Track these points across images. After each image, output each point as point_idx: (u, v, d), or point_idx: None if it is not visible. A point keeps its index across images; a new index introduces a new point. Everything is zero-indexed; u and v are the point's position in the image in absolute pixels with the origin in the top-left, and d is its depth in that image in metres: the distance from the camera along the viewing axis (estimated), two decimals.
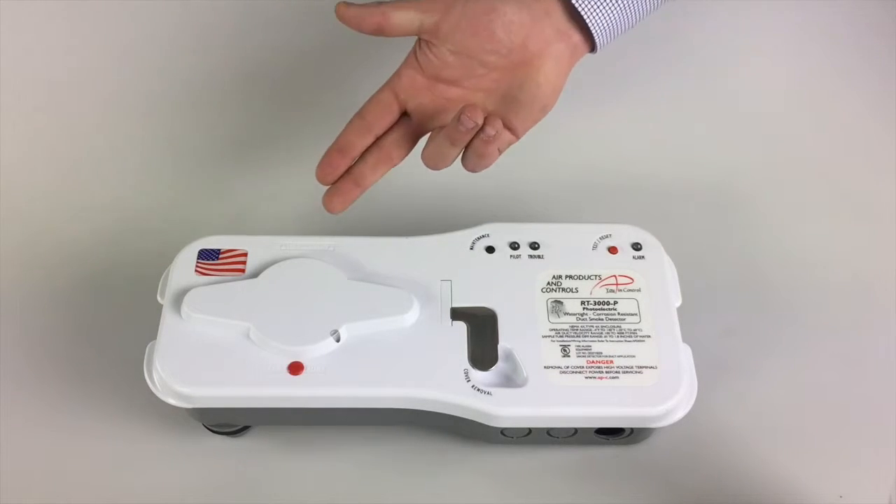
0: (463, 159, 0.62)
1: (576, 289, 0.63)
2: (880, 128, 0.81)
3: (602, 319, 0.62)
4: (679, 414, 0.60)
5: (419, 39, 0.63)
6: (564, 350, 0.61)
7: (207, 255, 0.64)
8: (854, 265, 0.73)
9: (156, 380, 0.60)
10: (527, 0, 0.61)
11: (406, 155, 0.64)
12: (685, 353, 0.61)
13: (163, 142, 0.81)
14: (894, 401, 0.66)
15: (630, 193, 0.77)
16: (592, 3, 0.61)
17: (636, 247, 0.65)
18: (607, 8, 0.61)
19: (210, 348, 0.60)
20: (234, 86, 0.83)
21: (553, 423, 0.61)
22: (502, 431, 0.61)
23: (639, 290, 0.63)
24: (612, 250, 0.65)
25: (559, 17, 0.61)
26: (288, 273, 0.62)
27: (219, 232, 0.66)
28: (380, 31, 0.62)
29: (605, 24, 0.61)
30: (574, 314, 0.62)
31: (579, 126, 0.81)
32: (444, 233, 0.66)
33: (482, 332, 0.62)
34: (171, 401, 0.59)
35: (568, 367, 0.60)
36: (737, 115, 0.82)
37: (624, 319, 0.62)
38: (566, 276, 0.64)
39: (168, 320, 0.61)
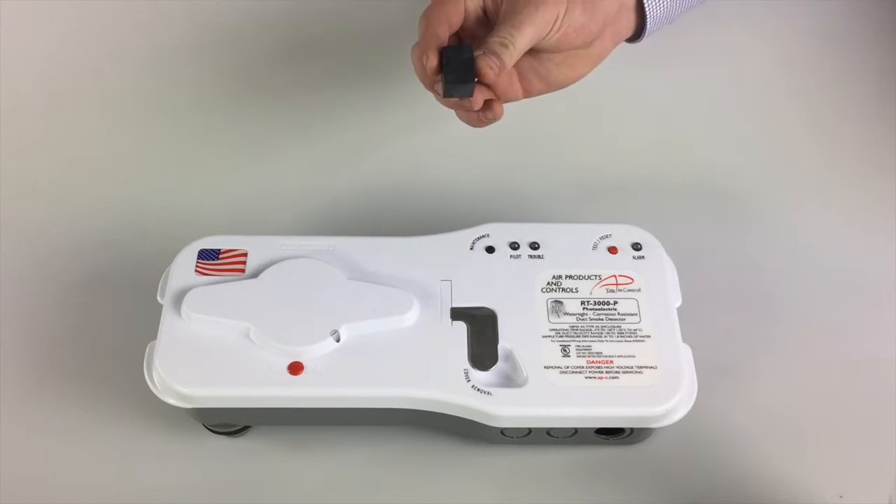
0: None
1: (576, 289, 0.63)
2: (880, 127, 0.81)
3: (602, 319, 0.62)
4: (679, 414, 0.60)
5: None
6: (564, 350, 0.61)
7: (207, 255, 0.64)
8: (854, 265, 0.73)
9: (156, 380, 0.60)
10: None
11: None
12: (685, 353, 0.61)
13: (163, 142, 0.81)
14: (894, 401, 0.66)
15: (630, 193, 0.77)
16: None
17: (636, 247, 0.65)
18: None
19: (210, 348, 0.60)
20: (234, 86, 0.83)
21: (553, 423, 0.61)
22: (502, 431, 0.61)
23: (639, 290, 0.63)
24: (612, 250, 0.65)
25: (627, 22, 0.66)
26: (288, 273, 0.63)
27: (219, 232, 0.66)
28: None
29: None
30: (574, 314, 0.62)
31: (579, 126, 0.81)
32: (444, 233, 0.66)
33: (482, 332, 0.62)
34: (172, 401, 0.59)
35: (568, 367, 0.60)
36: (737, 114, 0.82)
37: (624, 319, 0.62)
38: (566, 276, 0.64)
39: (168, 320, 0.61)
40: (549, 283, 0.64)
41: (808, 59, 0.85)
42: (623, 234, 0.66)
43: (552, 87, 0.67)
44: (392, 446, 0.64)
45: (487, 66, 0.59)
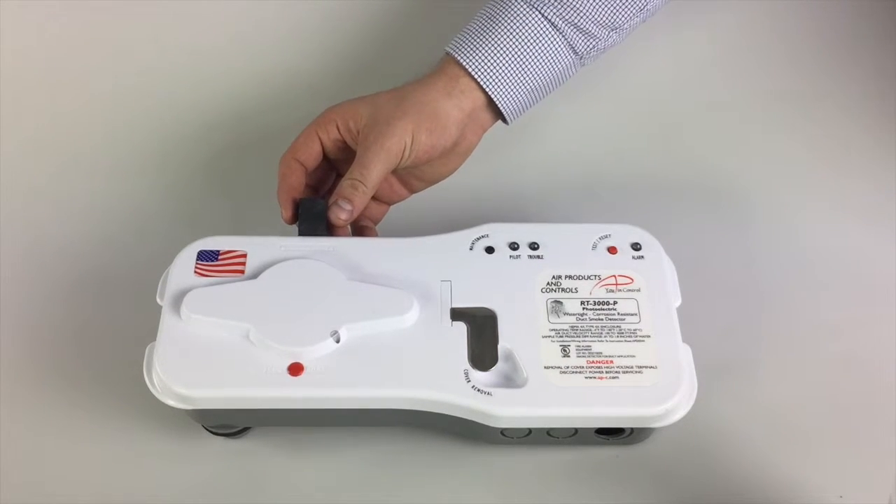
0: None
1: (575, 289, 0.63)
2: (880, 127, 0.81)
3: (602, 319, 0.62)
4: (679, 414, 0.60)
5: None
6: (564, 350, 0.61)
7: (207, 257, 0.64)
8: (854, 265, 0.73)
9: (155, 381, 0.60)
10: (465, 108, 0.69)
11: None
12: (685, 353, 0.61)
13: (162, 142, 0.81)
14: (894, 401, 0.66)
15: (630, 193, 0.77)
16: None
17: (636, 247, 0.65)
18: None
19: (210, 349, 0.60)
20: (234, 86, 0.83)
21: (553, 423, 0.61)
22: (502, 432, 0.61)
23: (638, 290, 0.63)
24: (612, 250, 0.65)
25: (486, 117, 0.70)
26: (288, 274, 0.62)
27: (219, 232, 0.66)
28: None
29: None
30: (574, 314, 0.62)
31: (579, 126, 0.81)
32: (444, 233, 0.66)
33: (482, 333, 0.62)
34: (171, 402, 0.59)
35: (568, 367, 0.60)
36: (736, 114, 0.82)
37: (624, 319, 0.62)
38: (566, 277, 0.64)
39: (167, 322, 0.61)
40: (548, 284, 0.64)
41: (808, 59, 0.85)
42: (622, 234, 0.66)
43: (432, 183, 0.72)
44: (392, 446, 0.64)
45: (337, 217, 0.65)
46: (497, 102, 0.68)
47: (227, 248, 0.64)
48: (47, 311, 0.71)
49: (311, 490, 0.63)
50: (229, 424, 0.64)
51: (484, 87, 0.68)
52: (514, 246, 0.65)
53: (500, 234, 0.66)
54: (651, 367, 0.60)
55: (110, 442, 0.64)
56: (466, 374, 0.60)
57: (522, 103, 0.70)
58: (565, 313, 0.62)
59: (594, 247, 0.65)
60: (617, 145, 0.80)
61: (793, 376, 0.67)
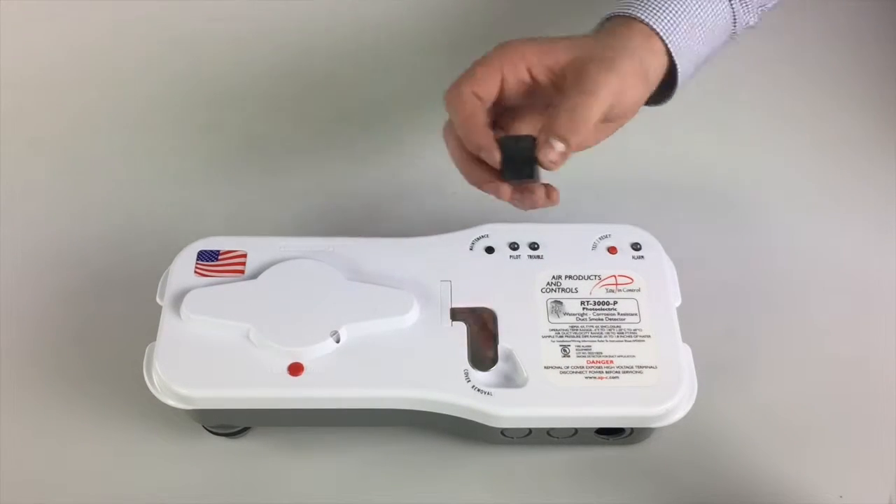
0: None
1: (575, 289, 0.63)
2: (881, 127, 0.81)
3: (602, 319, 0.62)
4: (679, 414, 0.60)
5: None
6: (564, 350, 0.61)
7: (207, 257, 0.64)
8: (854, 265, 0.73)
9: (155, 381, 0.60)
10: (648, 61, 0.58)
11: None
12: (685, 353, 0.61)
13: (163, 142, 0.81)
14: (894, 401, 0.66)
15: (630, 193, 0.77)
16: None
17: (636, 247, 0.65)
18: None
19: (210, 350, 0.60)
20: (234, 86, 0.83)
21: (553, 423, 0.61)
22: (502, 432, 0.61)
23: (638, 290, 0.63)
24: (612, 250, 0.65)
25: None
26: (287, 274, 0.62)
27: (218, 232, 0.66)
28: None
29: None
30: (574, 314, 0.62)
31: None
32: (444, 233, 0.66)
33: (482, 333, 0.62)
34: (171, 402, 0.59)
35: (568, 368, 0.60)
36: (737, 114, 0.82)
37: (624, 319, 0.62)
38: (566, 277, 0.64)
39: (167, 322, 0.61)
40: (548, 284, 0.64)
41: (808, 59, 0.85)
42: (622, 234, 0.66)
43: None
44: (392, 446, 0.64)
45: (546, 158, 0.54)
46: (679, 72, 0.58)
47: (227, 248, 0.64)
48: (47, 311, 0.71)
49: (310, 490, 0.63)
50: (229, 424, 0.64)
51: (673, 53, 0.57)
52: (514, 246, 0.65)
53: (500, 234, 0.66)
54: (651, 367, 0.60)
55: (110, 441, 0.64)
56: (466, 374, 0.60)
57: (686, 78, 0.60)
58: (565, 313, 0.62)
59: (594, 247, 0.65)
60: (617, 145, 0.80)
61: (793, 376, 0.67)
